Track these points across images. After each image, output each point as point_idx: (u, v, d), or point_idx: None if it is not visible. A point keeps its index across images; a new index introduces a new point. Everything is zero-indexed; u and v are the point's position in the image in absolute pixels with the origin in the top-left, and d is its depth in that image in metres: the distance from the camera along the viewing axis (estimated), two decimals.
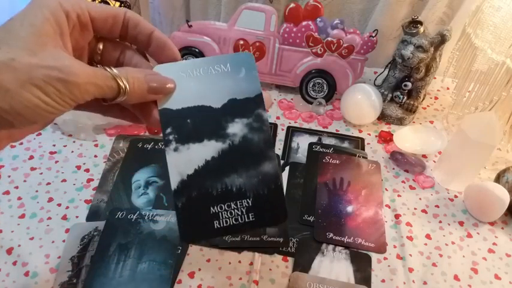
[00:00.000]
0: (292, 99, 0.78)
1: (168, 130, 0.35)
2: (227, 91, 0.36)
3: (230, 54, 0.41)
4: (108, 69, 0.30)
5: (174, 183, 0.34)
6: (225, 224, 0.34)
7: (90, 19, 0.32)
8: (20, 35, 0.27)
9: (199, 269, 0.50)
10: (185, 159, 0.35)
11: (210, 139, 0.35)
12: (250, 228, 0.35)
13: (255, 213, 0.34)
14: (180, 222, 0.33)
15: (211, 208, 0.34)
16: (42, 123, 0.33)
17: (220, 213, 0.34)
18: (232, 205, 0.34)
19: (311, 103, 0.77)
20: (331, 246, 0.53)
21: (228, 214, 0.34)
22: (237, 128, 0.36)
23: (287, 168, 0.64)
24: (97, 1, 0.63)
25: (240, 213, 0.34)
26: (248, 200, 0.34)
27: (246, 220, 0.34)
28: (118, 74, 0.30)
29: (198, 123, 0.35)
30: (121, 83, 0.30)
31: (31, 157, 0.61)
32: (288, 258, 0.52)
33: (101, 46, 0.35)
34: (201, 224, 0.34)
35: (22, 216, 0.53)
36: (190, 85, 0.36)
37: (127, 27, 0.34)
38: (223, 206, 0.34)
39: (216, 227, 0.34)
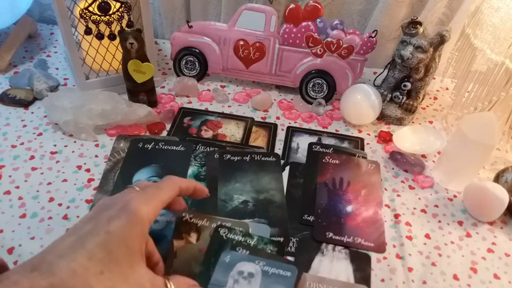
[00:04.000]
0: (292, 99, 0.79)
1: None
2: None
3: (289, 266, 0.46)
4: (167, 283, 0.38)
5: None
6: None
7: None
8: (119, 258, 0.35)
9: None
10: None
11: None
12: None
13: None
14: None
15: None
16: None
17: None
18: None
19: (311, 103, 0.78)
20: (330, 246, 0.54)
21: None
22: None
23: (287, 168, 0.64)
24: (98, 1, 0.63)
25: None
26: None
27: None
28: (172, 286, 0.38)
29: None
30: None
31: (32, 157, 0.61)
32: (288, 257, 0.52)
33: None
34: None
35: (23, 216, 0.53)
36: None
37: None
38: None
39: None
